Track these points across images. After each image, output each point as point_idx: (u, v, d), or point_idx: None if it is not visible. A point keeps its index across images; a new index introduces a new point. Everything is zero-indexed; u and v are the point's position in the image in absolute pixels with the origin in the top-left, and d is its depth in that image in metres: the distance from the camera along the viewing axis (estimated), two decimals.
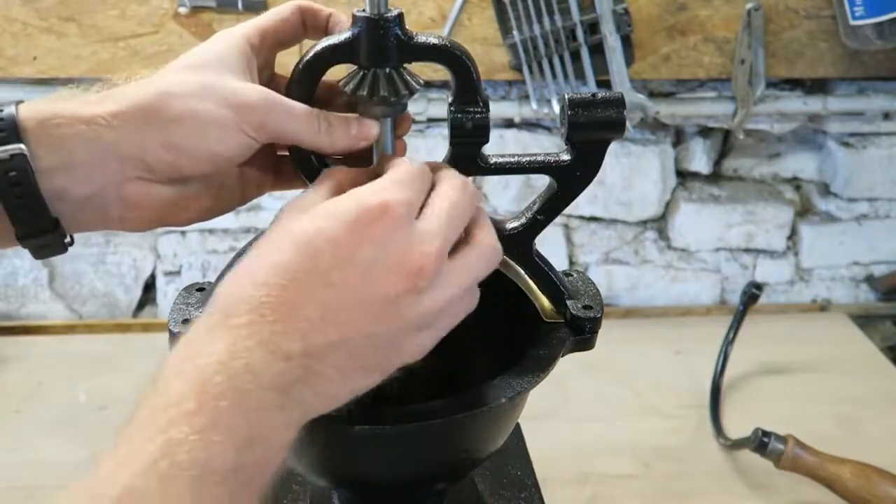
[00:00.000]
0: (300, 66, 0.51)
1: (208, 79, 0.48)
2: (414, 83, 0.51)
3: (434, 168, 0.50)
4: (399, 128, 0.54)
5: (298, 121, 0.50)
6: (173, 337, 0.54)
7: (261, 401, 0.40)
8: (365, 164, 0.53)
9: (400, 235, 0.43)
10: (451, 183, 0.48)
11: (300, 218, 0.44)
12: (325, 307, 0.42)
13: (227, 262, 0.57)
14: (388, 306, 0.43)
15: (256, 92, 0.49)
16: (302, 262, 0.42)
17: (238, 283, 0.43)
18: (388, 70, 0.50)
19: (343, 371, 0.43)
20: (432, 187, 0.47)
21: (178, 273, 1.26)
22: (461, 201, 0.47)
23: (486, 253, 0.47)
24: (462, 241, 0.47)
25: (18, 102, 0.46)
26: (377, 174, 0.47)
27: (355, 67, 0.51)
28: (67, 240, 0.49)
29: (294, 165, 0.54)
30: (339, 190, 0.47)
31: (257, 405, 0.39)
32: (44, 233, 0.47)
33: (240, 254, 0.56)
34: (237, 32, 0.52)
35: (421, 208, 0.45)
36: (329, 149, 0.52)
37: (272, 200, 1.20)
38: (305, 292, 0.42)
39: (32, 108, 0.46)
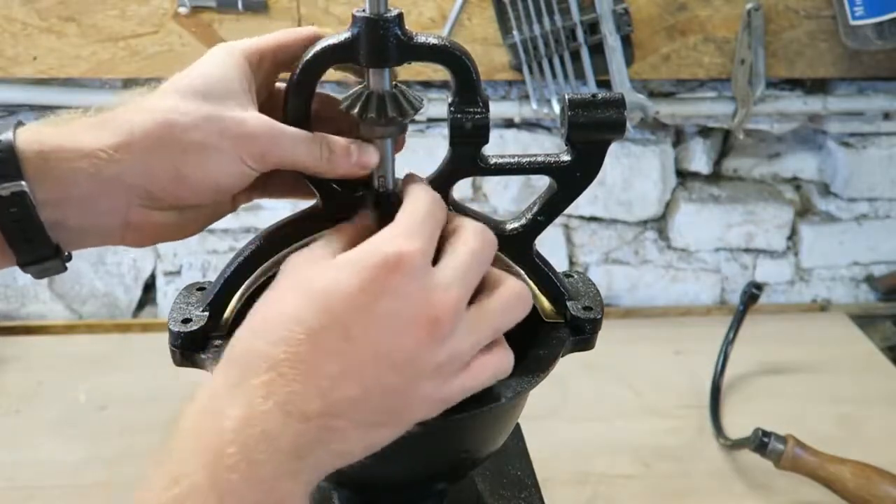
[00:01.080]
0: (299, 67, 0.51)
1: (212, 109, 0.48)
2: (417, 102, 0.52)
3: (449, 206, 0.50)
4: (395, 146, 0.54)
5: (299, 149, 0.50)
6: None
7: (275, 469, 0.39)
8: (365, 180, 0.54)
9: (417, 286, 0.42)
10: (470, 229, 0.47)
11: (315, 269, 0.44)
12: (345, 362, 0.41)
13: (227, 262, 0.57)
14: (407, 358, 0.42)
15: (258, 123, 0.48)
16: (319, 315, 0.41)
17: (255, 338, 0.42)
18: (390, 90, 0.51)
19: (361, 427, 0.42)
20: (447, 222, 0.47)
21: (178, 273, 1.26)
22: (480, 249, 0.46)
23: (509, 300, 0.46)
24: (483, 289, 0.46)
25: (17, 125, 0.46)
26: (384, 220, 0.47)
27: (356, 88, 0.51)
28: (66, 255, 0.50)
29: (307, 182, 0.54)
30: (352, 239, 0.47)
31: (271, 475, 0.39)
32: (45, 259, 0.48)
33: (240, 254, 0.56)
34: (237, 50, 0.51)
35: (438, 249, 0.45)
36: (330, 175, 0.51)
37: (273, 200, 1.20)
38: (324, 347, 0.41)
39: (32, 137, 0.45)
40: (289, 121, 0.52)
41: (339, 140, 0.51)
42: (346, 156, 0.51)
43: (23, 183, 0.44)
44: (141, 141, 0.46)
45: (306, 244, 0.48)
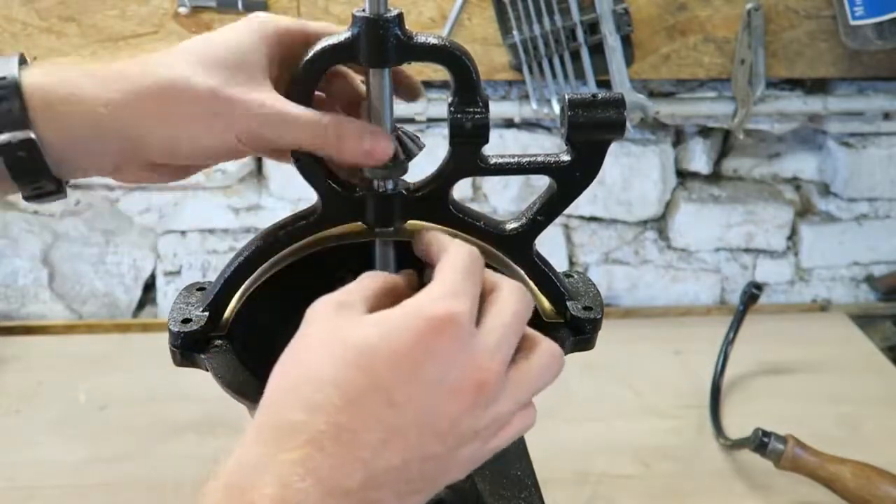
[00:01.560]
0: (300, 67, 0.51)
1: (219, 83, 0.48)
2: (417, 143, 0.54)
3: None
4: None
5: (300, 131, 0.49)
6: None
7: None
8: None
9: (464, 349, 0.41)
10: (511, 289, 0.45)
11: (349, 324, 0.41)
12: (388, 429, 0.39)
13: (227, 262, 0.57)
14: (451, 424, 0.40)
15: (262, 108, 0.48)
16: (359, 378, 0.39)
17: (286, 404, 0.39)
18: (392, 133, 0.52)
19: (399, 496, 0.40)
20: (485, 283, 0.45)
21: (178, 273, 1.26)
22: (520, 311, 0.44)
23: (548, 362, 0.45)
24: (520, 350, 0.44)
25: (21, 62, 0.48)
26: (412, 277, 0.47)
27: None
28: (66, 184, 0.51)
29: (301, 171, 0.53)
30: (381, 292, 0.45)
31: None
32: (49, 194, 0.50)
33: (240, 254, 0.56)
34: (272, 26, 0.51)
35: (479, 311, 0.43)
36: (337, 160, 0.51)
37: (273, 200, 1.20)
38: (366, 414, 0.39)
39: (40, 87, 0.47)
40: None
41: (353, 125, 0.50)
42: (357, 141, 0.50)
43: (31, 134, 0.46)
44: (142, 104, 0.47)
45: (330, 294, 0.45)
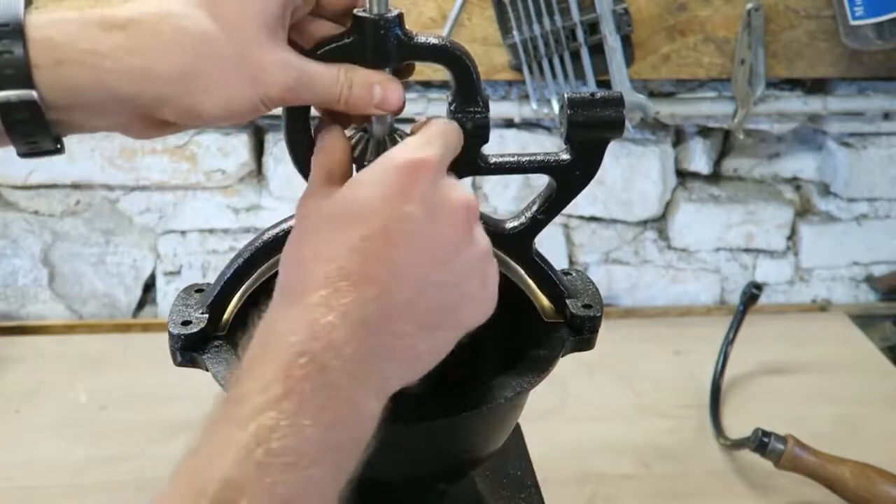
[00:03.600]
0: None
1: (247, 45, 0.45)
2: None
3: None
4: None
5: (320, 87, 0.48)
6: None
7: (346, 377, 0.40)
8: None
9: (442, 183, 0.45)
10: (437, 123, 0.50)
11: (329, 201, 0.45)
12: (396, 264, 0.42)
13: (227, 262, 0.57)
14: (452, 251, 0.44)
15: (287, 68, 0.47)
16: (357, 230, 0.42)
17: (303, 265, 0.43)
18: (390, 135, 0.52)
19: (422, 330, 0.43)
20: None
21: (178, 273, 1.26)
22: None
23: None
24: None
25: (28, 3, 0.42)
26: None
27: (357, 132, 0.52)
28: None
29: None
30: (342, 160, 0.49)
31: (343, 383, 0.40)
32: (45, 152, 0.46)
33: (239, 255, 0.56)
34: None
35: None
36: (349, 110, 0.50)
37: (272, 200, 1.20)
38: (372, 255, 0.42)
39: (47, 38, 0.42)
40: (289, 127, 0.52)
41: (365, 75, 0.50)
42: (367, 93, 0.50)
43: (33, 93, 0.42)
44: (164, 70, 0.44)
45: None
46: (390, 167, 0.44)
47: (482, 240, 0.46)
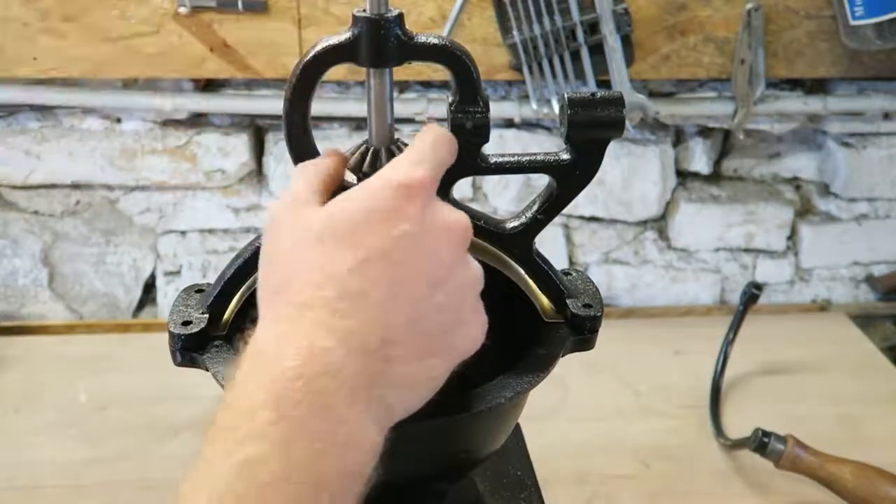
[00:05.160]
0: (299, 68, 0.51)
1: None
2: None
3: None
4: None
5: None
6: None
7: (343, 401, 0.38)
8: None
9: (435, 203, 0.44)
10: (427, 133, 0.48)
11: (320, 213, 0.44)
12: (394, 284, 0.41)
13: (227, 262, 0.57)
14: (446, 271, 0.43)
15: None
16: (354, 252, 0.41)
17: (294, 281, 0.42)
18: (390, 146, 0.52)
19: (420, 354, 0.42)
20: None
21: (178, 273, 1.26)
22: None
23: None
24: None
25: None
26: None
27: (358, 144, 0.52)
28: None
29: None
30: (329, 178, 0.48)
31: (339, 408, 0.38)
32: None
33: (239, 255, 0.56)
34: None
35: None
36: None
37: (273, 200, 1.20)
38: (371, 276, 0.41)
39: None
40: (289, 128, 0.52)
41: None
42: None
43: None
44: None
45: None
46: (384, 187, 0.43)
47: (474, 262, 0.46)
